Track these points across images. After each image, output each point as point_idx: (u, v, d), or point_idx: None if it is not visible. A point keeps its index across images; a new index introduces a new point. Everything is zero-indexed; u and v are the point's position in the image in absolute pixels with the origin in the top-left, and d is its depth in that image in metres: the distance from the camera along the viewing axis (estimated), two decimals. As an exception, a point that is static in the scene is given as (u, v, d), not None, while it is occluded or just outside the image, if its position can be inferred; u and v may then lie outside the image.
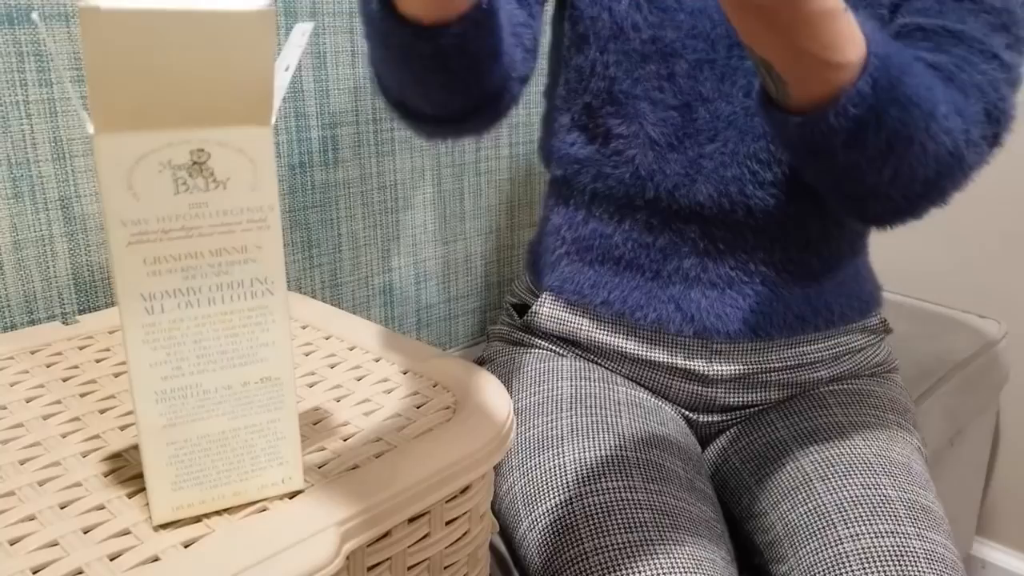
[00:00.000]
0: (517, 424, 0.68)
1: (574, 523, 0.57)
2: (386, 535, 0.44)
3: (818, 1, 0.42)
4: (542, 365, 0.73)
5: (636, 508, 0.56)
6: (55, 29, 0.66)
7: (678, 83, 0.63)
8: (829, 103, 0.47)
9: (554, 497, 0.59)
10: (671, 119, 0.64)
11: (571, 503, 0.58)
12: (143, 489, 0.42)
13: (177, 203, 0.36)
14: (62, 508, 0.41)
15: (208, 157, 0.36)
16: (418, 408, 0.52)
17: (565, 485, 0.59)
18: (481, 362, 0.82)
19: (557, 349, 0.75)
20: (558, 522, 0.57)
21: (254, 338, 0.39)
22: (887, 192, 0.54)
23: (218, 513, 0.41)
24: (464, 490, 0.48)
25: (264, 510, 0.41)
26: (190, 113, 0.35)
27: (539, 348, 0.76)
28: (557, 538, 0.57)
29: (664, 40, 0.62)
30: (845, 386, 0.71)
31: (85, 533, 0.39)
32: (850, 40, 0.45)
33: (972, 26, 0.55)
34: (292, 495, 0.42)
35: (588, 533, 0.55)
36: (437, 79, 0.51)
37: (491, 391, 0.53)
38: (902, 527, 0.55)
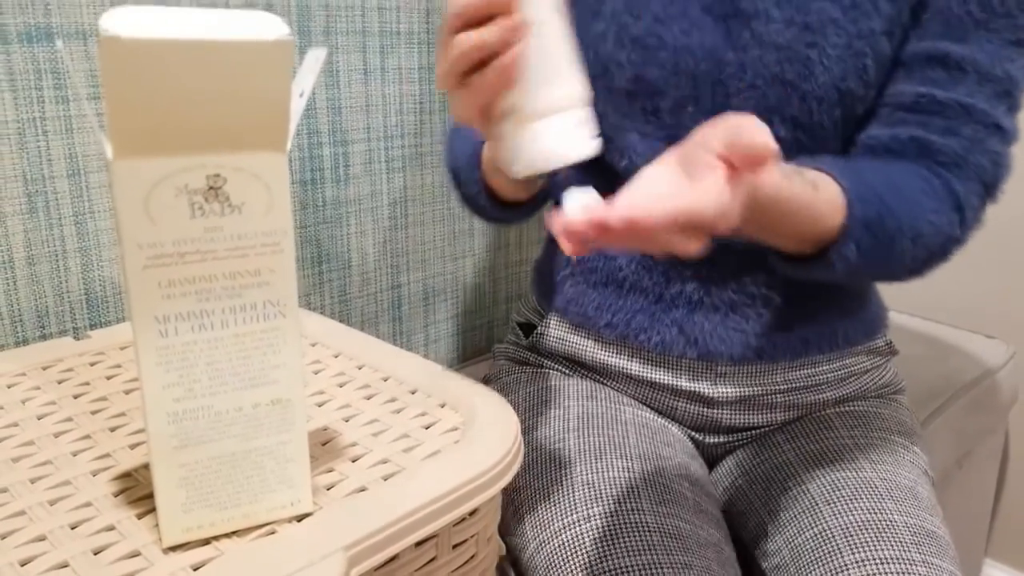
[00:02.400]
0: (524, 444, 0.68)
1: (582, 546, 0.57)
2: (393, 559, 0.44)
3: (755, 222, 0.48)
4: (549, 385, 0.73)
5: (644, 531, 0.56)
6: (72, 47, 0.67)
7: (663, 119, 0.64)
8: (817, 260, 0.56)
9: (562, 519, 0.59)
10: (661, 150, 0.64)
11: (579, 525, 0.58)
12: (153, 510, 0.43)
13: (193, 227, 0.36)
14: (72, 528, 0.41)
15: (224, 182, 0.36)
16: (426, 429, 0.52)
17: (573, 507, 0.59)
18: (487, 380, 0.82)
19: (563, 369, 0.75)
20: (566, 545, 0.57)
21: (266, 360, 0.39)
22: (888, 279, 0.62)
23: (227, 535, 0.41)
24: (472, 513, 0.48)
25: (273, 533, 0.41)
26: (207, 139, 0.35)
27: (545, 368, 0.76)
28: (565, 561, 0.57)
29: (647, 78, 0.63)
30: (851, 408, 0.71)
31: (95, 554, 0.39)
32: (821, 216, 0.53)
33: (979, 99, 0.59)
34: (301, 518, 0.42)
35: (596, 556, 0.55)
36: (512, 220, 0.71)
37: (499, 412, 0.53)
38: (907, 553, 0.55)
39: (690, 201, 0.38)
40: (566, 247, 0.40)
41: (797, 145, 0.62)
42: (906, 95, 0.61)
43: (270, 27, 0.34)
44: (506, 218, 0.70)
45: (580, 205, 0.40)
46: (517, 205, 0.69)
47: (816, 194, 0.52)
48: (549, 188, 0.68)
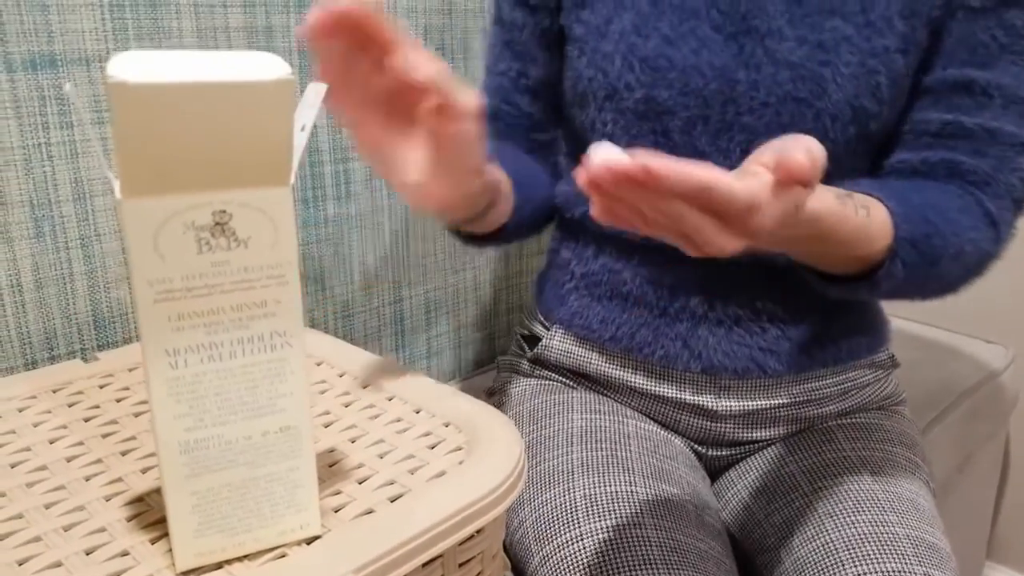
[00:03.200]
0: (528, 457, 0.69)
1: (585, 560, 0.57)
2: (401, 579, 0.44)
3: (802, 230, 0.48)
4: (552, 398, 0.74)
5: (646, 545, 0.57)
6: (75, 72, 0.68)
7: (673, 139, 0.64)
8: (863, 280, 0.57)
9: (565, 533, 0.60)
10: None
11: (582, 540, 0.59)
12: (166, 534, 0.44)
13: (200, 262, 0.37)
14: (88, 554, 0.42)
15: (230, 218, 0.37)
16: (431, 449, 0.53)
17: (576, 522, 0.60)
18: (491, 392, 0.83)
19: (567, 381, 0.76)
20: (569, 559, 0.58)
21: (273, 389, 0.40)
22: (926, 296, 0.63)
23: (239, 559, 0.42)
24: (477, 532, 0.49)
25: (283, 556, 0.42)
26: (213, 176, 0.36)
27: (549, 380, 0.77)
28: (568, 575, 0.57)
29: (657, 99, 0.63)
30: (853, 420, 0.72)
31: (110, 580, 0.40)
32: (872, 239, 0.53)
33: (1005, 121, 0.60)
34: (310, 541, 0.43)
35: (599, 570, 0.56)
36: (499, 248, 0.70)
37: (502, 432, 0.54)
38: (909, 566, 0.56)
39: (722, 180, 0.37)
40: (593, 206, 0.39)
41: None
42: (932, 122, 0.62)
43: (271, 67, 0.35)
44: (483, 244, 0.69)
45: (605, 156, 0.37)
46: (489, 238, 0.67)
47: (868, 217, 0.53)
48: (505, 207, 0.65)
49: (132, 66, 0.33)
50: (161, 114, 0.33)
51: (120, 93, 0.32)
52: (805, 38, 0.60)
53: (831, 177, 0.63)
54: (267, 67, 0.35)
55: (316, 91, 0.42)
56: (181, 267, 0.37)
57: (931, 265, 0.57)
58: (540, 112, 0.76)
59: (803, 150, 0.39)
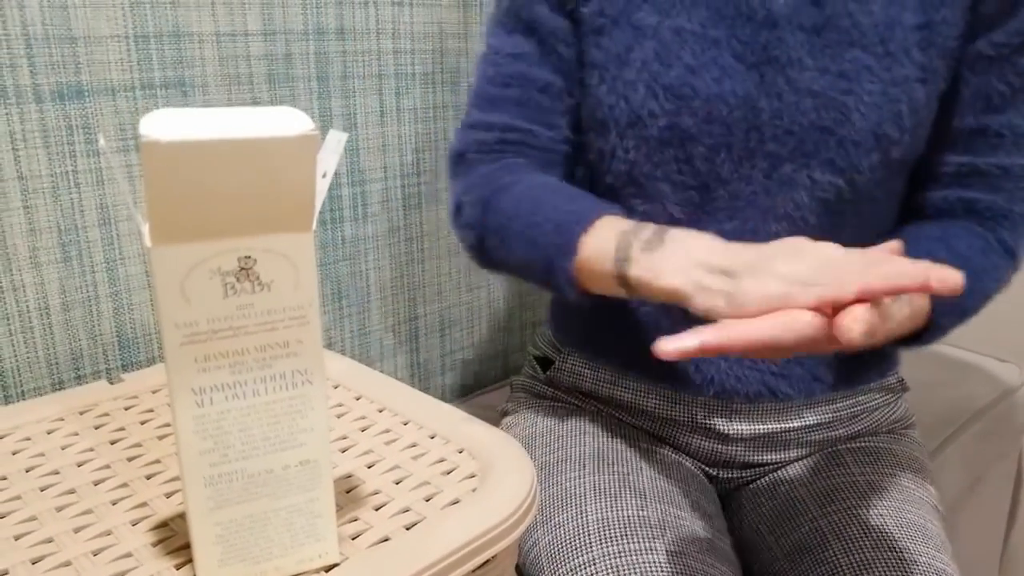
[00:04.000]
0: (540, 480, 0.70)
1: (595, 584, 0.59)
2: (416, 606, 0.46)
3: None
4: (565, 420, 0.75)
5: (657, 570, 0.58)
6: (101, 102, 0.70)
7: (696, 166, 0.65)
8: (912, 340, 0.61)
9: (576, 557, 0.61)
10: (691, 198, 0.66)
11: (594, 564, 0.60)
12: (190, 561, 0.45)
13: (226, 305, 0.39)
14: (115, 580, 0.44)
15: (254, 263, 0.39)
16: (445, 475, 0.54)
17: (588, 545, 0.61)
18: (504, 413, 0.85)
19: (580, 403, 0.77)
20: (580, 582, 0.59)
21: (294, 424, 0.42)
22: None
23: (260, 588, 0.43)
24: (490, 559, 0.50)
25: (302, 584, 0.44)
26: (239, 224, 0.38)
27: (562, 402, 0.78)
28: (579, 599, 0.59)
29: (681, 126, 0.64)
30: (863, 444, 0.73)
31: (137, 607, 0.42)
32: (915, 324, 0.56)
33: (1016, 157, 0.65)
34: (328, 568, 0.45)
35: (609, 595, 0.57)
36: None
37: (515, 460, 0.55)
38: (916, 592, 0.57)
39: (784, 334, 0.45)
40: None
41: (835, 190, 0.64)
42: (950, 164, 0.67)
43: (295, 122, 0.37)
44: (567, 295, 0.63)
45: (677, 346, 0.45)
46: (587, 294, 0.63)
47: (911, 309, 0.55)
48: None
49: (163, 124, 0.34)
50: (191, 169, 0.35)
51: (152, 151, 0.34)
52: (827, 68, 0.62)
53: (858, 203, 0.65)
54: (291, 122, 0.37)
55: (338, 139, 0.43)
56: (207, 310, 0.38)
57: (963, 316, 0.62)
58: (573, 140, 0.72)
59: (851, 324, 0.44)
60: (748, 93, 0.63)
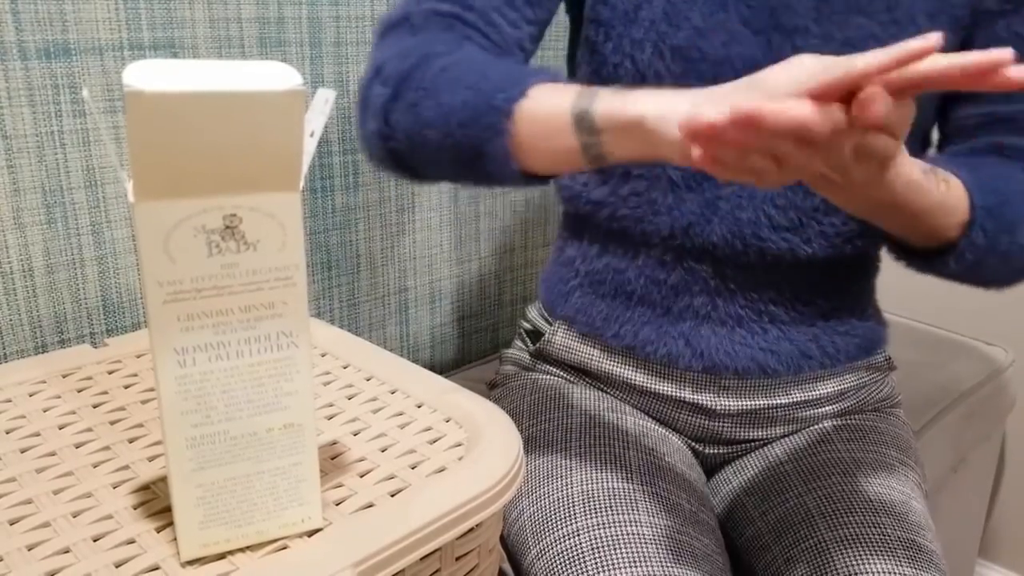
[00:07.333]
0: (527, 451, 0.70)
1: (580, 555, 0.59)
2: (399, 573, 0.46)
3: (886, 192, 0.49)
4: (553, 393, 0.75)
5: (641, 542, 0.58)
6: (88, 61, 0.69)
7: None
8: (947, 251, 0.57)
9: (561, 528, 0.61)
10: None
11: (578, 535, 0.60)
12: (171, 523, 0.45)
13: (210, 264, 0.38)
14: (95, 541, 0.43)
15: (240, 222, 0.38)
16: (431, 444, 0.54)
17: (573, 516, 0.62)
18: (493, 385, 0.84)
19: (568, 377, 0.77)
20: (565, 553, 0.60)
21: (278, 388, 0.41)
22: (1006, 275, 0.63)
23: (242, 551, 0.43)
24: (475, 527, 0.50)
25: (285, 548, 0.43)
26: (224, 181, 0.37)
27: (551, 375, 0.78)
28: (564, 569, 0.59)
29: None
30: (849, 421, 0.73)
31: (117, 567, 0.41)
32: (949, 208, 0.54)
33: None
34: (311, 533, 0.45)
35: (594, 566, 0.57)
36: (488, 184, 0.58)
37: (501, 429, 0.55)
38: (899, 567, 0.57)
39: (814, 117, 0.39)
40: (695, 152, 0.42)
41: None
42: (971, 117, 0.66)
43: (283, 77, 0.36)
44: (511, 183, 0.57)
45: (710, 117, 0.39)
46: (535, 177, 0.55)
47: (948, 190, 0.54)
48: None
49: (147, 75, 0.34)
50: (175, 122, 0.34)
51: (136, 101, 0.33)
52: (832, 35, 0.61)
53: None
54: (278, 77, 0.36)
55: (325, 98, 0.43)
56: (191, 269, 0.38)
57: (1009, 232, 0.59)
58: (530, 42, 0.65)
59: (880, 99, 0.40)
60: (755, 58, 0.62)
